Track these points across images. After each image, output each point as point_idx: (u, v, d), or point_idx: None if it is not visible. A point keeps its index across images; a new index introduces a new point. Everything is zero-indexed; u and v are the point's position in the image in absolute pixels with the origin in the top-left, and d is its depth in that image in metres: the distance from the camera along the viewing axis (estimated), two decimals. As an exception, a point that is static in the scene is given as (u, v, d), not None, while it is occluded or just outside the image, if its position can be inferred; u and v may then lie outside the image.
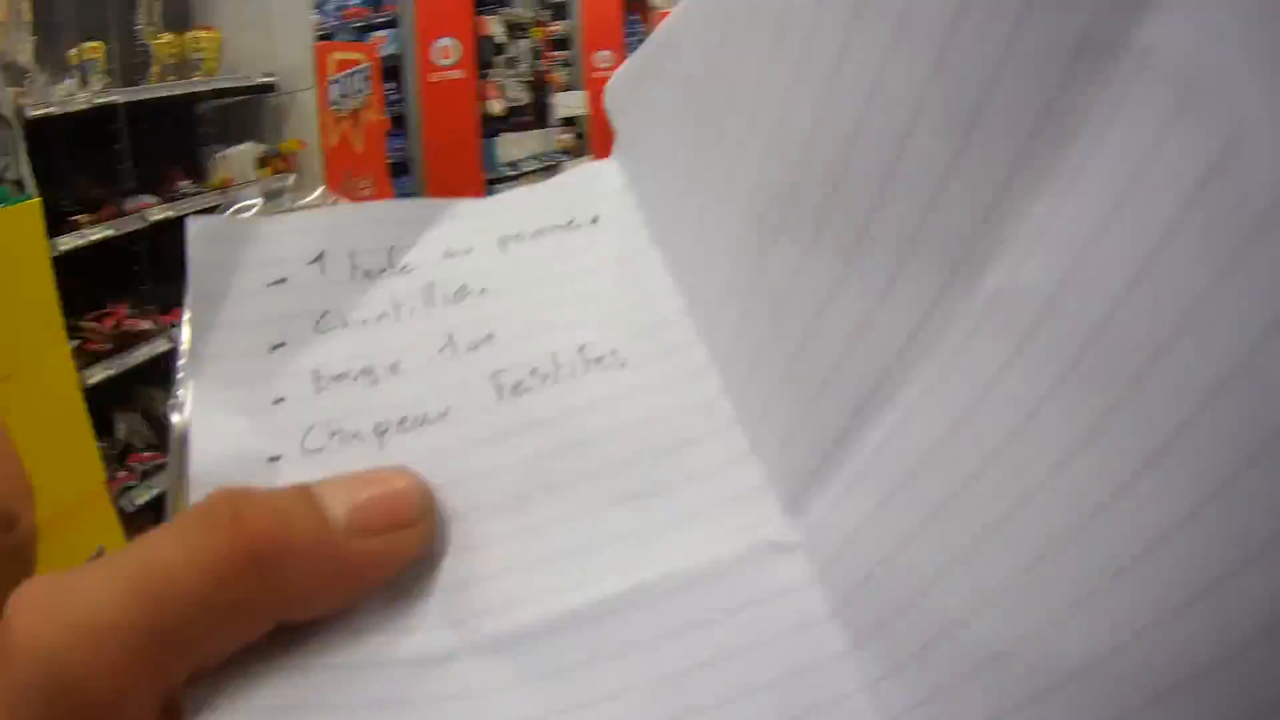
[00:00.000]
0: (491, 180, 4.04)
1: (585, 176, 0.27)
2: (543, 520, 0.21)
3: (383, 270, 0.24)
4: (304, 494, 0.19)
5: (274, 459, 0.21)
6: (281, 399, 0.22)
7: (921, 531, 0.19)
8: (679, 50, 0.24)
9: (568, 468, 0.22)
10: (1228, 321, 0.14)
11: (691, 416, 0.23)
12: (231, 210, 0.24)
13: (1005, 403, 0.17)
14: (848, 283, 0.20)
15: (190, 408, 0.21)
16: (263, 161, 2.90)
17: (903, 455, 0.19)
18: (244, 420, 0.21)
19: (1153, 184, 0.15)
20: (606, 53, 4.76)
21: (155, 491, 2.20)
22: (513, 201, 0.26)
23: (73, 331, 2.02)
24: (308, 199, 0.25)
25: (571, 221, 0.26)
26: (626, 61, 0.26)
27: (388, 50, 3.69)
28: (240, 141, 2.85)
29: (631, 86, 0.26)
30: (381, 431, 0.22)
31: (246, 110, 2.94)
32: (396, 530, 0.19)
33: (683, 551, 0.21)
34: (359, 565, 0.19)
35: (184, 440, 0.21)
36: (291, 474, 0.21)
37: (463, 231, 0.25)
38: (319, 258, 0.23)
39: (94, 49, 2.32)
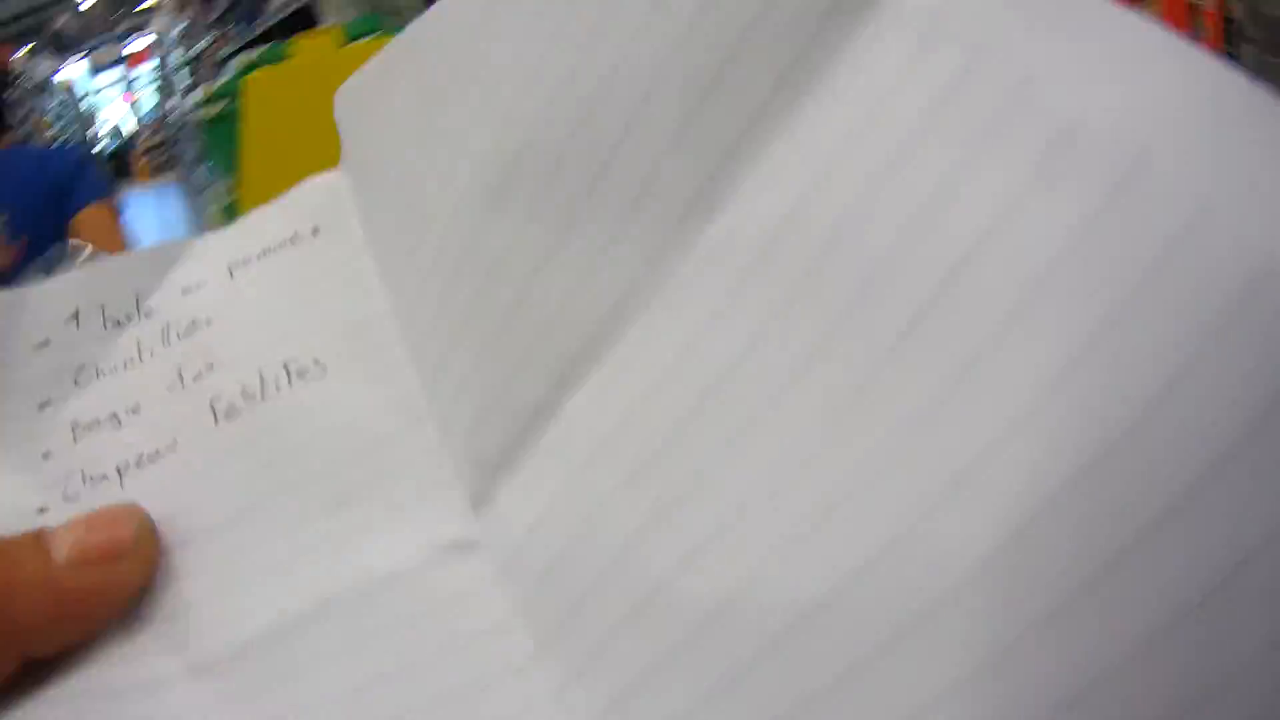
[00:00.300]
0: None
1: (311, 189, 0.27)
2: (249, 540, 0.22)
3: (130, 317, 0.25)
4: (35, 537, 0.21)
5: (42, 510, 0.24)
6: (48, 453, 0.24)
7: (615, 498, 0.18)
8: (421, 46, 0.24)
9: (270, 484, 0.23)
10: (949, 234, 0.14)
11: (384, 417, 0.23)
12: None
13: (719, 342, 0.17)
14: (566, 243, 0.19)
15: None
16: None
17: (600, 418, 0.18)
18: (19, 477, 0.24)
19: (887, 116, 0.16)
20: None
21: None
22: (245, 225, 0.27)
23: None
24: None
25: (294, 236, 0.26)
26: (361, 68, 0.25)
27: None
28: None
29: (364, 90, 0.26)
30: (122, 472, 0.24)
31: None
32: (112, 561, 0.21)
33: (367, 560, 0.21)
34: (79, 597, 0.21)
35: None
36: (56, 522, 0.23)
37: (199, 266, 0.26)
38: (74, 315, 0.25)
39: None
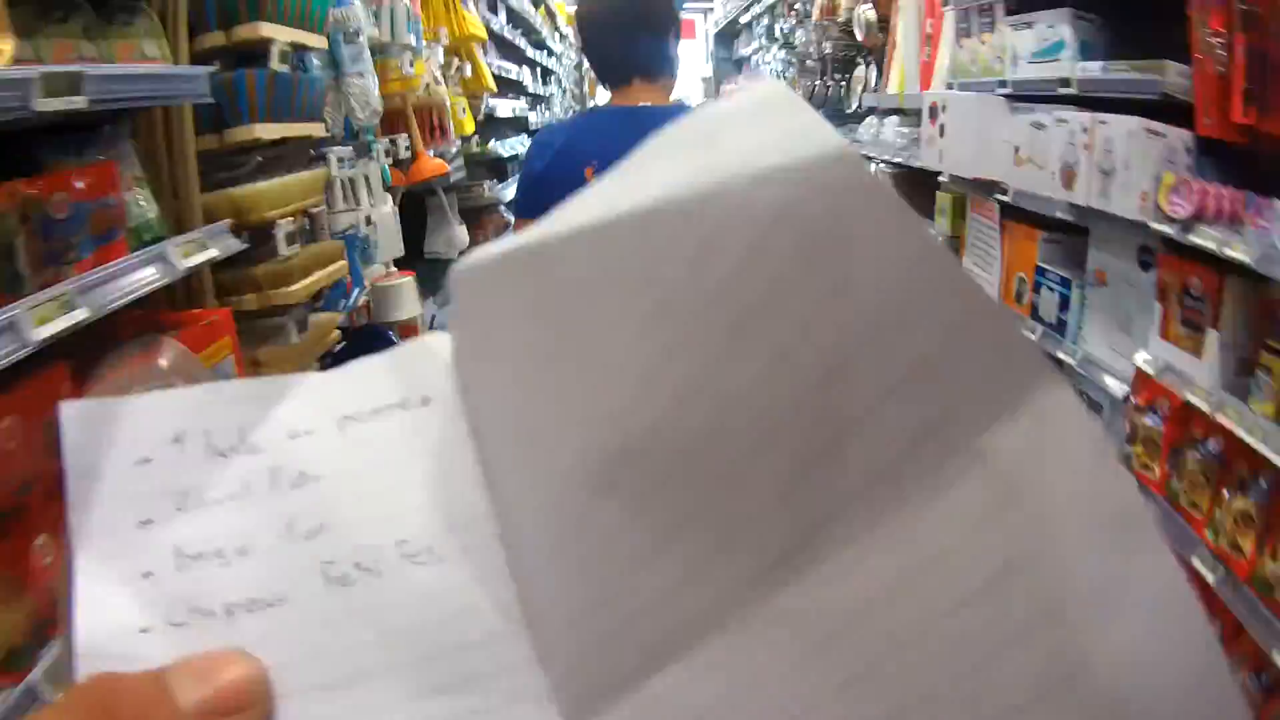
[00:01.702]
0: None
1: (422, 353, 0.28)
2: (359, 704, 0.24)
3: (234, 448, 0.26)
4: (155, 679, 0.22)
5: (144, 630, 0.24)
6: (150, 573, 0.25)
7: None
8: (550, 268, 0.24)
9: (379, 658, 0.24)
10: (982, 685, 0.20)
11: (488, 616, 0.25)
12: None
13: (766, 688, 0.22)
14: (664, 554, 0.23)
15: (76, 576, 0.24)
16: None
17: (671, 708, 0.23)
18: (118, 591, 0.25)
19: (959, 563, 0.20)
20: None
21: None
22: (355, 377, 0.27)
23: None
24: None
25: (405, 401, 0.27)
26: (488, 248, 0.26)
27: None
28: None
29: (486, 275, 0.26)
30: (230, 612, 0.25)
31: None
32: (235, 714, 0.22)
33: None
34: None
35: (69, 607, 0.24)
36: (158, 644, 0.24)
37: (306, 411, 0.26)
38: (178, 438, 0.26)
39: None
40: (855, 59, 3.99)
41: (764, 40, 6.87)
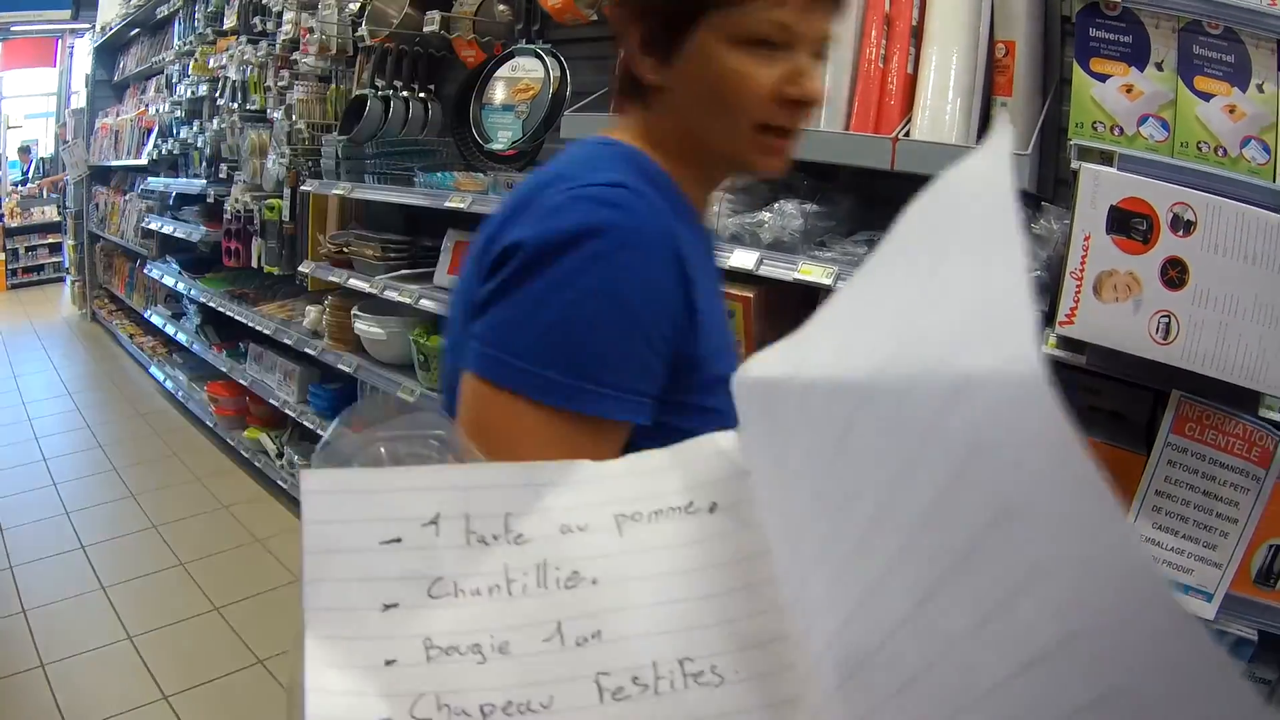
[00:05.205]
0: None
1: (708, 453, 0.27)
2: None
3: (497, 538, 0.23)
4: None
5: None
6: (393, 660, 0.22)
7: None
8: (818, 412, 0.24)
9: None
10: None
11: None
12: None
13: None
14: None
15: (305, 658, 0.21)
16: None
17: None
18: (356, 677, 0.22)
19: None
20: None
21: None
22: (633, 471, 0.26)
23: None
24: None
25: (690, 504, 0.25)
26: (766, 357, 0.26)
27: None
28: None
29: (766, 388, 0.26)
30: (487, 713, 0.22)
31: None
32: None
33: None
34: None
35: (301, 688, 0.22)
36: None
37: (579, 504, 0.24)
38: (434, 520, 0.23)
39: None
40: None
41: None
